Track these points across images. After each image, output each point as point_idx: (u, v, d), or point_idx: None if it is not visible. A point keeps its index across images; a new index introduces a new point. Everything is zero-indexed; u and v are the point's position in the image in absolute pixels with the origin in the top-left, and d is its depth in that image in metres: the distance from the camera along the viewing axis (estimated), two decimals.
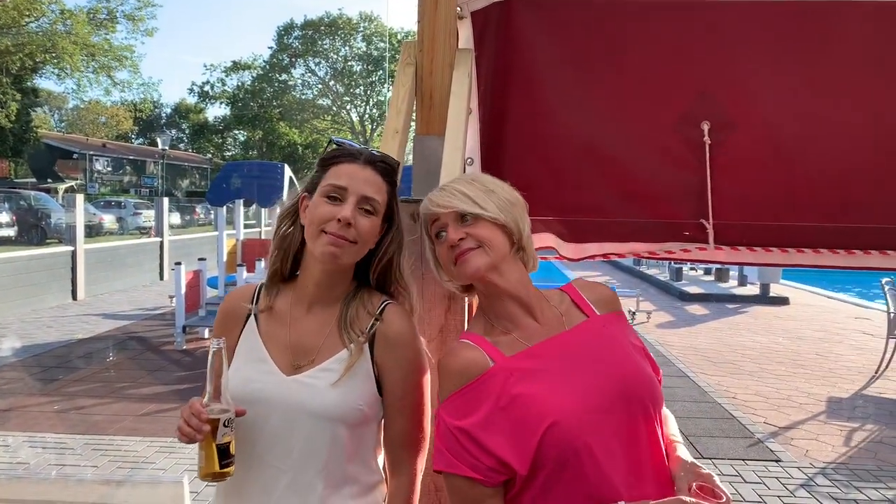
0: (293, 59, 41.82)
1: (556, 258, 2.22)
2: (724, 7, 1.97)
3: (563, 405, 1.16)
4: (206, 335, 8.71)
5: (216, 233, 12.18)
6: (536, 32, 2.09)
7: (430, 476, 1.45)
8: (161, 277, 15.15)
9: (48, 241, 16.85)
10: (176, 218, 24.52)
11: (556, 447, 1.14)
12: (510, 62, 2.12)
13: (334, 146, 1.36)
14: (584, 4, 2.06)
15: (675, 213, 2.05)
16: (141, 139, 51.04)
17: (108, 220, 21.76)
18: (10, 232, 17.15)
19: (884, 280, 7.35)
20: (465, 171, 1.79)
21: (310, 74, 42.87)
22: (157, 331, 9.32)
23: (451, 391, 1.23)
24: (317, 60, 42.20)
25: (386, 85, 40.00)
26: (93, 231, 18.28)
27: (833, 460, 4.87)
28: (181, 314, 8.15)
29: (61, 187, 30.03)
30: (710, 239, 2.02)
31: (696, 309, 11.94)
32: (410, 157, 2.09)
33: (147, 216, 24.28)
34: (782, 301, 12.51)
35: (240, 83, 43.47)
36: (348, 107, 43.40)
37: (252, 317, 1.37)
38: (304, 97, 43.37)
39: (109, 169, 42.37)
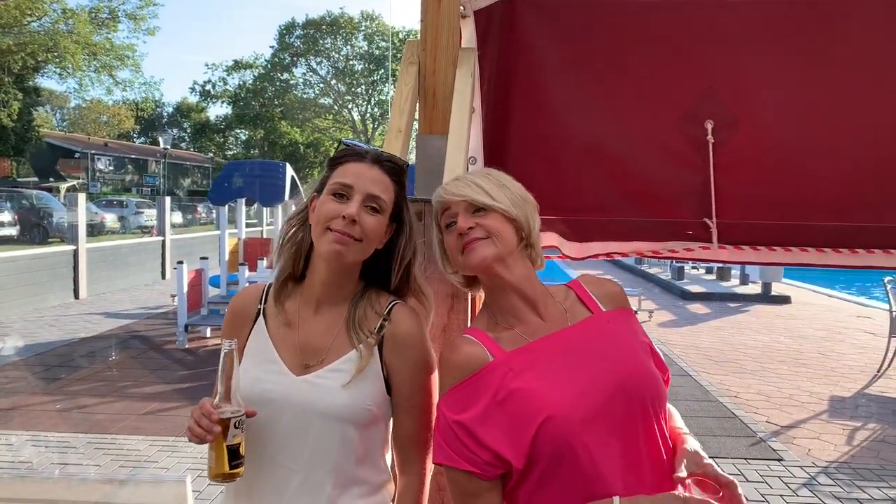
0: (295, 59, 41.85)
1: (559, 257, 2.21)
2: (727, 6, 1.96)
3: (559, 400, 1.16)
4: (209, 334, 8.74)
5: (218, 232, 12.18)
6: (540, 31, 2.09)
7: (434, 476, 1.45)
8: (163, 276, 15.18)
9: (50, 240, 16.90)
10: (178, 217, 24.52)
11: (552, 442, 1.14)
12: (513, 61, 2.12)
13: (343, 147, 1.37)
14: (587, 4, 2.06)
15: (678, 213, 2.05)
16: (143, 138, 51.05)
17: (110, 219, 21.76)
18: (13, 231, 17.21)
19: (886, 279, 7.33)
20: (468, 171, 1.79)
21: (311, 73, 42.96)
22: (159, 330, 9.33)
23: (451, 385, 1.23)
24: (318, 59, 42.25)
25: (388, 84, 40.03)
26: (95, 230, 18.29)
27: (835, 459, 4.87)
28: (183, 313, 8.16)
29: (63, 186, 30.03)
30: (714, 238, 2.02)
31: (697, 308, 11.93)
32: (412, 156, 2.09)
33: (149, 215, 24.29)
34: (784, 300, 12.48)
35: (241, 82, 43.51)
36: (350, 106, 43.42)
37: (261, 317, 1.37)
38: (305, 96, 43.41)
39: (111, 168, 42.39)
